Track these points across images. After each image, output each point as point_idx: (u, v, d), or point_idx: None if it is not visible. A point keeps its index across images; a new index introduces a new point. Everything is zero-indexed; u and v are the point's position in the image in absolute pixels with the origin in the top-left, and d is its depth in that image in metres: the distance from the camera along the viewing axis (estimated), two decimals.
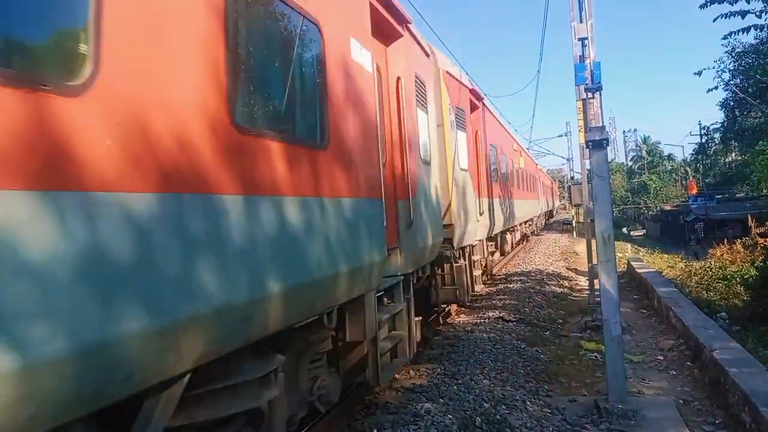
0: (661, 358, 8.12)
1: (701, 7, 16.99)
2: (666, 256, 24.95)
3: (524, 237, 26.84)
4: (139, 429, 2.47)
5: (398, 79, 6.13)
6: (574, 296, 13.80)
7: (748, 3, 16.92)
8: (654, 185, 66.25)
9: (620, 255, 19.61)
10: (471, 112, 11.09)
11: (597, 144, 6.33)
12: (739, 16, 16.82)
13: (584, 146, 10.10)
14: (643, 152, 77.01)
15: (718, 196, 44.32)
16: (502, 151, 16.05)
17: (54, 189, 1.91)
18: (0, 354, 1.69)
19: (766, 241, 16.63)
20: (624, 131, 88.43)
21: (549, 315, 11.29)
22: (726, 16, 17.00)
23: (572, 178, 53.19)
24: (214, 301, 2.60)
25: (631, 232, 48.67)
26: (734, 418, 5.62)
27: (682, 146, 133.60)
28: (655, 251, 27.52)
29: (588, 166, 9.94)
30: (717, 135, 49.80)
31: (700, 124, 54.98)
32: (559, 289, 14.64)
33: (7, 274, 1.75)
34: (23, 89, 1.84)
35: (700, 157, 58.08)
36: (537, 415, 5.92)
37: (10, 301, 1.75)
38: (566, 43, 7.28)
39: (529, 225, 28.51)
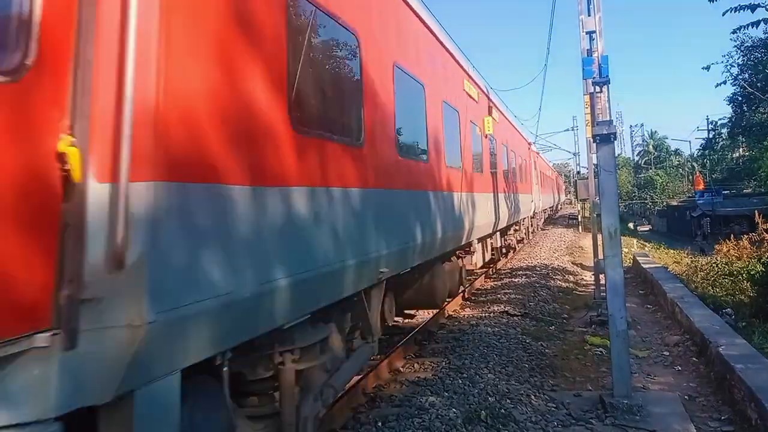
0: (667, 353, 8.10)
1: (710, 0, 16.83)
2: (672, 251, 24.85)
3: (507, 249, 18.61)
4: None
5: None
6: (580, 291, 13.77)
7: None
8: (660, 180, 65.88)
9: (626, 250, 19.54)
10: None
11: (604, 138, 6.30)
12: (749, 10, 16.65)
13: (591, 140, 10.07)
14: (650, 147, 76.59)
15: (725, 192, 44.05)
16: (423, 79, 7.31)
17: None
18: None
19: None
20: (631, 126, 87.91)
21: (554, 310, 11.27)
22: (735, 9, 16.83)
23: (578, 172, 52.97)
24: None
25: (638, 228, 48.27)
26: (740, 414, 5.61)
27: (689, 141, 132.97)
28: (661, 247, 27.42)
29: (595, 161, 9.90)
30: (724, 130, 49.42)
31: (707, 119, 54.58)
32: (564, 284, 14.61)
33: None
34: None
35: (707, 152, 57.65)
36: (542, 410, 5.92)
37: None
38: (574, 37, 7.22)
39: (516, 232, 19.95)
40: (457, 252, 10.19)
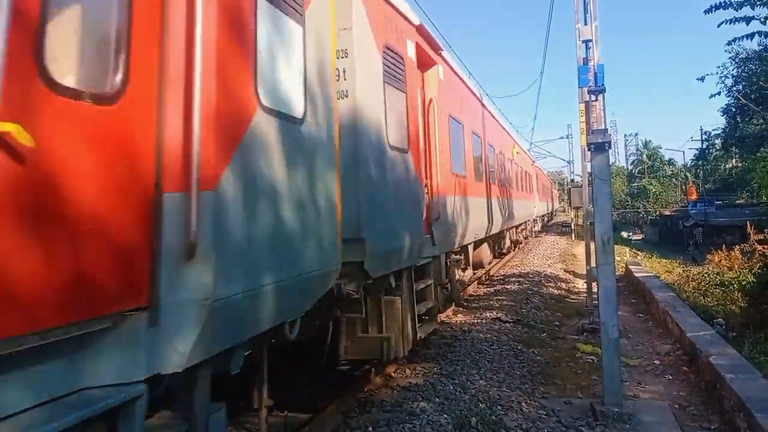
0: (658, 362, 8.12)
1: (706, 12, 16.95)
2: (664, 260, 24.95)
3: None
4: None
5: None
6: (572, 299, 13.79)
7: (753, 9, 16.88)
8: (654, 190, 66.18)
9: (618, 259, 19.60)
10: None
11: (599, 146, 6.32)
12: (744, 22, 16.76)
13: (586, 149, 10.11)
14: (644, 156, 76.95)
15: (718, 202, 44.29)
16: None
17: None
18: None
19: (764, 247, 16.65)
20: (625, 135, 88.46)
21: (546, 317, 11.28)
22: (730, 21, 16.96)
23: (572, 180, 53.23)
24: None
25: (631, 237, 48.22)
26: (730, 423, 5.62)
27: (683, 151, 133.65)
28: (653, 255, 27.52)
29: (589, 169, 9.94)
30: (718, 141, 49.73)
31: (701, 130, 55.00)
32: (556, 291, 14.64)
33: None
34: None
35: (700, 162, 58.06)
36: (532, 417, 5.92)
37: None
38: (571, 45, 7.25)
39: None
40: None
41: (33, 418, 2.20)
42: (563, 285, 16.03)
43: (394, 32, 6.45)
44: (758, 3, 15.54)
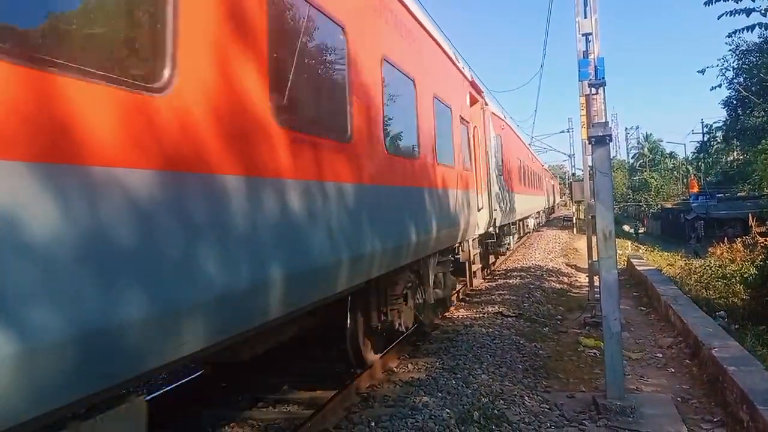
0: (660, 355, 8.12)
1: (706, 3, 16.89)
2: (666, 253, 24.95)
3: None
4: None
5: None
6: (574, 292, 13.79)
7: (753, 1, 16.82)
8: (655, 183, 66.19)
9: (620, 252, 19.60)
10: None
11: (600, 140, 6.30)
12: (744, 14, 16.70)
13: (586, 142, 10.11)
14: (645, 150, 76.89)
15: (719, 195, 44.27)
16: None
17: None
18: None
19: (766, 240, 16.66)
20: (626, 128, 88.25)
21: (548, 311, 11.29)
22: (731, 13, 16.89)
23: (573, 174, 53.22)
24: None
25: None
26: (732, 416, 5.62)
27: (684, 144, 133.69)
28: (655, 249, 27.52)
29: (590, 163, 9.93)
30: (719, 133, 49.70)
31: (702, 122, 54.99)
32: (558, 285, 14.64)
33: None
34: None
35: (701, 155, 58.04)
36: (535, 411, 5.93)
37: None
38: (571, 39, 7.25)
39: None
40: None
41: None
42: (565, 279, 16.03)
43: None
44: None
